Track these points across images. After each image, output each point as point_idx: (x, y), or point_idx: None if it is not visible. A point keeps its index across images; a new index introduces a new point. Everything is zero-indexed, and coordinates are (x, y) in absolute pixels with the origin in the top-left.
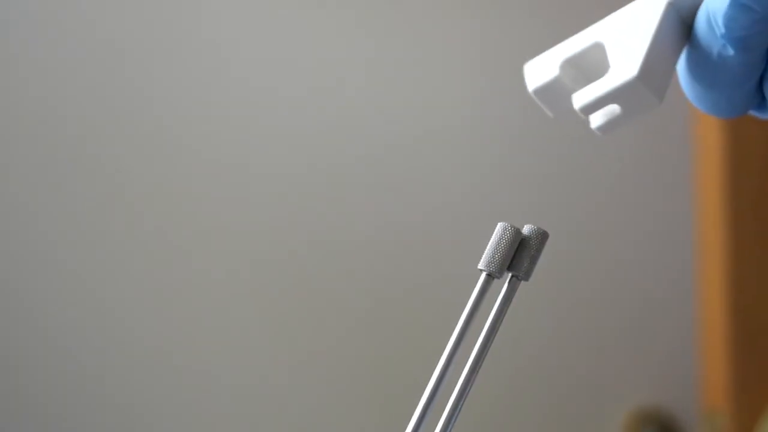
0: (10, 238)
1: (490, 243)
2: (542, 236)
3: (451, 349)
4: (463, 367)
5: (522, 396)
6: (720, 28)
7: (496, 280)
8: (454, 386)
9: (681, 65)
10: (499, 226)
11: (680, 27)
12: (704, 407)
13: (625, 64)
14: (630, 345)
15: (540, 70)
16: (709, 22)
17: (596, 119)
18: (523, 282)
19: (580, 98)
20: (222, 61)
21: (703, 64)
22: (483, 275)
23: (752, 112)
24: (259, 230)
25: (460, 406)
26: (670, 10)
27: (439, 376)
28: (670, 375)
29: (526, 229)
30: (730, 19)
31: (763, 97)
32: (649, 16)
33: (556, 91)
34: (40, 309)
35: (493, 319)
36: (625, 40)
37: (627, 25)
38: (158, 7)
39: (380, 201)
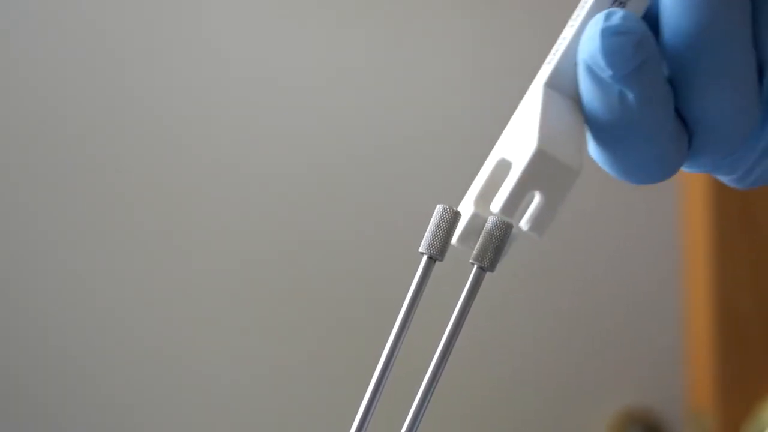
0: (10, 238)
1: (429, 226)
2: (506, 226)
3: (395, 336)
4: (430, 362)
5: (508, 396)
6: (606, 70)
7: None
8: (422, 383)
9: (590, 146)
10: (438, 208)
11: (570, 106)
12: (690, 408)
13: (524, 148)
14: (616, 346)
15: (460, 221)
16: (593, 73)
17: (524, 221)
18: (489, 273)
19: (497, 203)
20: (222, 61)
21: (610, 126)
22: (424, 258)
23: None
24: (259, 230)
25: (425, 405)
26: (548, 92)
27: (382, 367)
28: (656, 376)
29: (490, 221)
30: (610, 54)
31: (689, 134)
32: (531, 108)
33: (478, 230)
34: (38, 309)
35: (458, 312)
36: (519, 138)
37: (516, 129)
38: (158, 8)
39: (380, 201)
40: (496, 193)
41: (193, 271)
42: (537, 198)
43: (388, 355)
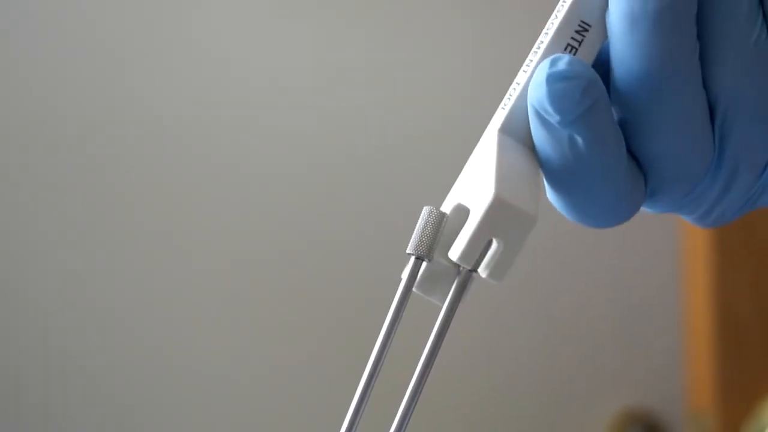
0: (10, 238)
1: (416, 227)
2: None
3: (384, 336)
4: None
5: (508, 396)
6: (553, 116)
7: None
8: (415, 384)
9: (546, 190)
10: (425, 210)
11: (524, 151)
12: (690, 408)
13: (482, 196)
14: (616, 346)
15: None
16: (541, 119)
17: (483, 269)
18: (475, 275)
19: (455, 251)
20: (222, 61)
21: (563, 171)
22: (412, 259)
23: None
24: (259, 230)
25: (412, 407)
26: (502, 138)
27: (371, 369)
28: (656, 376)
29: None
30: (556, 99)
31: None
32: (486, 154)
33: (437, 276)
34: (38, 309)
35: (446, 310)
36: (476, 185)
37: (472, 174)
38: (158, 8)
39: (380, 201)
40: (452, 238)
41: (193, 271)
42: (495, 245)
43: (376, 357)
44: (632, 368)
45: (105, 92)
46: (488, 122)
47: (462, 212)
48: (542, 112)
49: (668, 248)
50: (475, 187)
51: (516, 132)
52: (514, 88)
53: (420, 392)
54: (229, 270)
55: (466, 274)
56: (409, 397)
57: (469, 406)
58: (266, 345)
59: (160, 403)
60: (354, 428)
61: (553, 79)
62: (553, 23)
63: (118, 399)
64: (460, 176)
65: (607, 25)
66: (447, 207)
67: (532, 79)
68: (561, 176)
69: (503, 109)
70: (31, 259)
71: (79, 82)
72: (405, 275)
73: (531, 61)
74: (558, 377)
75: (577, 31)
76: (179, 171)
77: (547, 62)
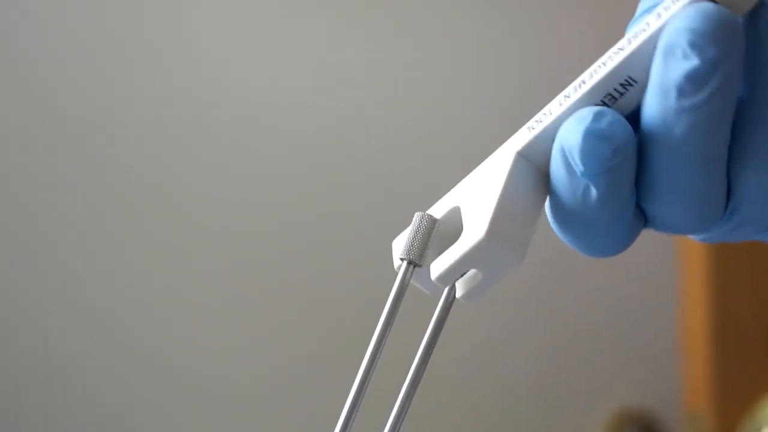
0: (10, 238)
1: (408, 233)
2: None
3: (377, 340)
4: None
5: (505, 396)
6: (578, 166)
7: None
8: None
9: (548, 214)
10: (416, 216)
11: (536, 176)
12: (686, 408)
13: (474, 226)
14: (613, 347)
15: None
16: (565, 161)
17: (459, 288)
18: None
19: (435, 269)
20: (222, 61)
21: (570, 211)
22: (404, 264)
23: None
24: (259, 230)
25: (405, 409)
26: (519, 160)
27: (365, 370)
28: (653, 376)
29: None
30: (587, 154)
31: (645, 220)
32: (497, 171)
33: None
34: (38, 309)
35: (434, 325)
36: (477, 199)
37: (478, 183)
38: (158, 8)
39: (380, 201)
40: (443, 235)
41: (193, 270)
42: (474, 272)
43: (370, 358)
44: (629, 369)
45: (105, 92)
46: (488, 122)
47: (457, 215)
48: (569, 157)
49: (665, 249)
50: (476, 200)
51: (534, 158)
52: (545, 115)
53: (413, 395)
54: (229, 270)
55: (452, 288)
56: (402, 399)
57: (466, 405)
58: (266, 345)
59: (160, 403)
60: (348, 429)
61: (590, 135)
62: (600, 68)
63: (118, 399)
64: (468, 177)
65: (647, 97)
66: (448, 204)
67: (569, 120)
68: (566, 215)
69: (529, 131)
70: (31, 259)
71: (79, 82)
72: (398, 280)
73: (568, 97)
74: (555, 378)
75: (621, 84)
76: (179, 171)
77: (590, 114)
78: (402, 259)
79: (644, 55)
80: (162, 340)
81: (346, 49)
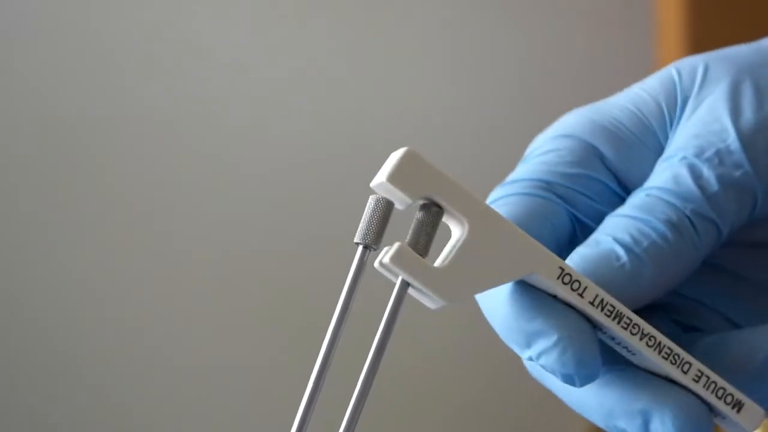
0: (10, 238)
1: (363, 217)
2: (437, 213)
3: (333, 329)
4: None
5: (502, 395)
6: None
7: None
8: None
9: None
10: (371, 199)
11: (533, 292)
12: None
13: (451, 279)
14: None
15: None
16: (570, 378)
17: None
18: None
19: (393, 264)
20: (222, 61)
21: (560, 385)
22: (360, 248)
23: None
24: (259, 230)
25: (360, 406)
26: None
27: (322, 362)
28: None
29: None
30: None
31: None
32: (516, 258)
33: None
34: (38, 309)
35: (386, 321)
36: (459, 228)
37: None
38: (159, 8)
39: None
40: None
41: (193, 270)
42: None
43: (326, 350)
44: None
45: (105, 92)
46: (488, 122)
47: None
48: (569, 381)
49: None
50: (456, 228)
51: (545, 288)
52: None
53: (369, 388)
54: (229, 270)
55: (402, 283)
56: (357, 395)
57: (461, 404)
58: (266, 345)
59: (160, 403)
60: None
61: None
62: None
63: (118, 399)
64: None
65: None
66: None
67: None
68: (556, 385)
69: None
70: (31, 259)
71: (79, 82)
72: (353, 266)
73: (640, 329)
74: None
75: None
76: (179, 171)
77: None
78: (357, 244)
79: None
80: (162, 340)
81: (345, 49)
